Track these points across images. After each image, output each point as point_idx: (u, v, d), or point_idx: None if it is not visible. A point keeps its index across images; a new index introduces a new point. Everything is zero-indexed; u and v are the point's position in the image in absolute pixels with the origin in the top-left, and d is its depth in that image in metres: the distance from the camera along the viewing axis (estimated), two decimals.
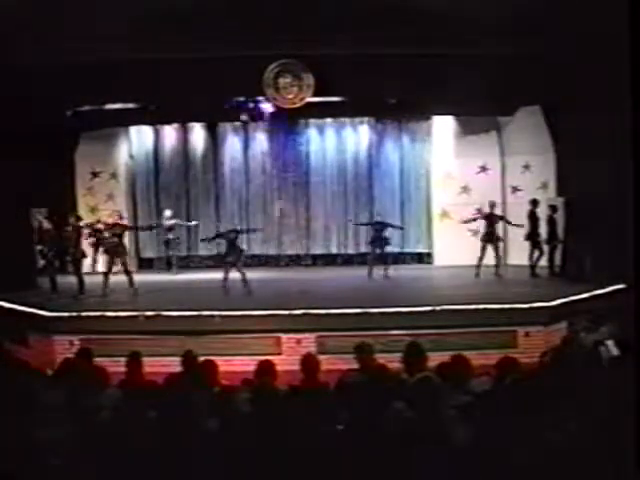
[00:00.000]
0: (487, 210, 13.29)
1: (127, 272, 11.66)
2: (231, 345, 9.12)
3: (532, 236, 13.00)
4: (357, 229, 15.80)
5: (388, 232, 13.60)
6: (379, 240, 13.33)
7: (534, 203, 13.11)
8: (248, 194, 16.12)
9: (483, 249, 12.93)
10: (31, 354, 8.46)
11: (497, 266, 12.84)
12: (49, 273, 11.96)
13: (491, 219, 13.07)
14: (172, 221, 14.91)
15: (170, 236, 14.93)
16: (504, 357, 5.24)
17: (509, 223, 13.34)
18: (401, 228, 14.90)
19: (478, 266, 12.81)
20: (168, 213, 15.02)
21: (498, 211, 14.38)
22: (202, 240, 13.82)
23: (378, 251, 13.29)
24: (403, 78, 11.81)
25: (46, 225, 12.25)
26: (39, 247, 12.56)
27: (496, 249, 12.93)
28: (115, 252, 11.64)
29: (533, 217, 13.02)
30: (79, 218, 12.53)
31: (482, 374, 5.03)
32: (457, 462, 3.75)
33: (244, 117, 13.57)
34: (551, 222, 12.79)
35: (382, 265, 13.11)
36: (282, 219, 15.86)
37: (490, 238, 12.97)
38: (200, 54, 11.32)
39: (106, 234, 11.75)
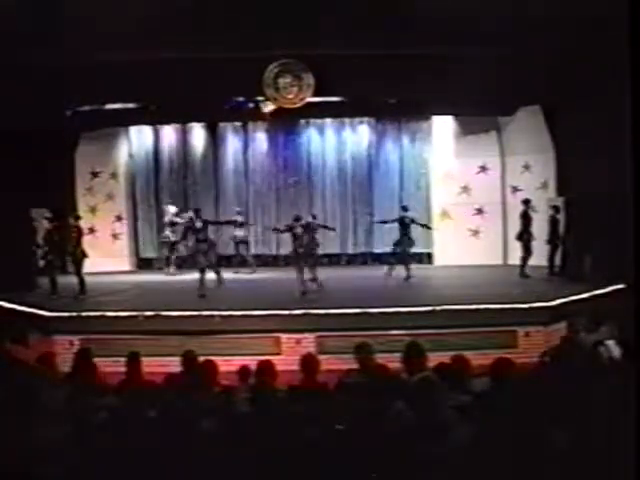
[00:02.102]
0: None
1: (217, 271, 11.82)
2: (231, 345, 9.12)
3: (523, 236, 12.99)
4: (357, 229, 15.86)
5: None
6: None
7: (526, 203, 13.10)
8: (248, 194, 16.13)
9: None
10: (31, 354, 8.45)
11: (407, 269, 12.68)
12: (49, 273, 11.94)
13: (403, 223, 12.99)
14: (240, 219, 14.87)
15: (240, 234, 14.85)
16: (499, 358, 5.23)
17: (422, 226, 13.25)
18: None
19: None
20: (239, 212, 14.97)
21: (498, 210, 14.42)
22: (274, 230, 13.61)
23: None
24: (403, 78, 11.79)
25: (46, 225, 12.24)
26: (39, 247, 12.55)
27: (406, 252, 12.84)
28: (204, 249, 11.71)
29: (526, 217, 13.01)
30: (78, 218, 12.52)
31: (481, 374, 5.03)
32: (457, 462, 3.75)
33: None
34: (553, 222, 12.79)
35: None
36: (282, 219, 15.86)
37: (401, 242, 12.92)
38: (200, 54, 11.31)
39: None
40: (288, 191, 16.04)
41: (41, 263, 12.40)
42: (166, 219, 14.78)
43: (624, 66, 3.23)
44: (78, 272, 11.82)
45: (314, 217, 13.16)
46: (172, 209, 14.92)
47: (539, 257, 13.00)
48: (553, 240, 12.77)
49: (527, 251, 12.89)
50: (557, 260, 12.82)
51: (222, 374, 5.60)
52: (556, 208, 12.81)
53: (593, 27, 9.36)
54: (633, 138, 3.18)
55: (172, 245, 14.65)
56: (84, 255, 11.99)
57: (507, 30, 10.46)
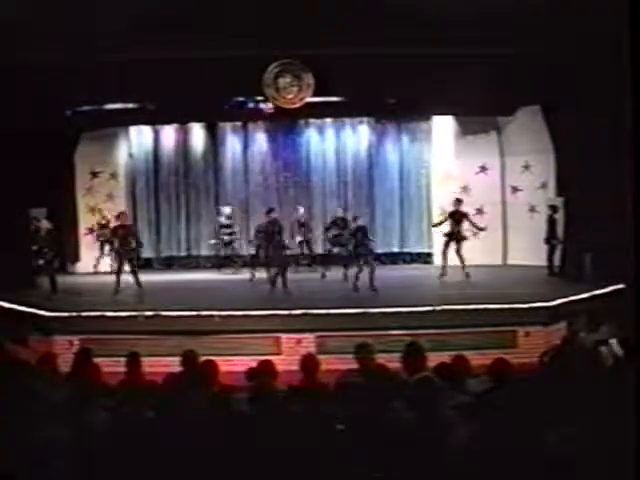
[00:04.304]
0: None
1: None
2: (231, 345, 9.12)
3: (452, 235, 12.91)
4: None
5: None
6: None
7: (459, 202, 13.03)
8: (248, 194, 16.12)
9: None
10: (31, 354, 8.44)
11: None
12: (49, 273, 11.93)
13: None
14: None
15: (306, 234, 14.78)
16: (497, 359, 5.23)
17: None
18: None
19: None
20: (302, 211, 14.86)
21: (498, 210, 14.44)
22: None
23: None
24: (403, 78, 11.79)
25: (46, 225, 12.23)
26: (35, 247, 12.52)
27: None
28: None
29: (456, 216, 12.88)
30: (123, 214, 12.40)
31: (481, 374, 5.03)
32: (456, 462, 3.75)
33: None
34: (551, 222, 12.79)
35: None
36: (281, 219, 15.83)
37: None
38: (200, 54, 11.31)
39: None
40: (288, 191, 16.04)
41: (40, 262, 12.37)
42: (221, 220, 14.77)
43: (624, 66, 3.23)
44: (133, 270, 11.69)
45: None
46: (227, 210, 14.90)
47: (540, 257, 13.02)
48: (550, 240, 12.76)
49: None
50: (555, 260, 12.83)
51: (222, 374, 5.60)
52: (554, 208, 12.81)
53: (593, 27, 9.36)
54: (633, 138, 3.18)
55: (229, 245, 14.68)
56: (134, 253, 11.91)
57: (507, 30, 10.47)
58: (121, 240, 11.75)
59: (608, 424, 3.62)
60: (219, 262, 15.04)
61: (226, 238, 14.69)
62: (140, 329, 9.31)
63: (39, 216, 13.25)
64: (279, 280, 11.50)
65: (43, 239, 12.14)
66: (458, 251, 12.73)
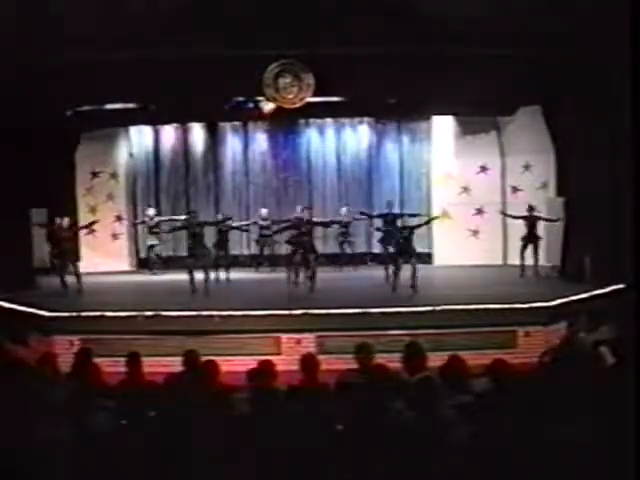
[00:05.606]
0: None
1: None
2: (231, 345, 9.11)
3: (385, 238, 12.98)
4: (357, 229, 15.82)
5: None
6: None
7: (390, 205, 13.26)
8: (248, 194, 16.13)
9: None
10: (31, 354, 8.44)
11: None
12: (59, 273, 11.91)
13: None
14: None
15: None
16: (495, 359, 5.23)
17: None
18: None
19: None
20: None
21: (498, 210, 14.44)
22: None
23: None
24: (403, 78, 11.80)
25: (67, 222, 12.25)
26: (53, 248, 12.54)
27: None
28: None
29: (388, 217, 12.89)
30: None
31: (478, 375, 5.03)
32: (456, 462, 3.75)
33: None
34: (531, 222, 12.82)
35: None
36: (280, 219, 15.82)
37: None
38: (200, 54, 11.32)
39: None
40: (288, 191, 16.05)
41: (57, 260, 12.32)
42: (260, 222, 14.82)
43: (624, 66, 3.24)
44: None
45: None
46: (264, 212, 14.94)
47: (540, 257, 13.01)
48: (531, 240, 12.76)
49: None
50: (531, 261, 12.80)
51: (222, 374, 5.59)
52: (531, 207, 12.82)
53: (593, 27, 9.37)
54: (633, 138, 3.18)
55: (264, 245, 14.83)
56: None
57: (507, 30, 10.47)
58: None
59: (608, 424, 3.63)
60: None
61: (263, 240, 14.76)
62: (140, 329, 9.31)
63: (40, 216, 13.28)
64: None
65: (63, 238, 12.12)
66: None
